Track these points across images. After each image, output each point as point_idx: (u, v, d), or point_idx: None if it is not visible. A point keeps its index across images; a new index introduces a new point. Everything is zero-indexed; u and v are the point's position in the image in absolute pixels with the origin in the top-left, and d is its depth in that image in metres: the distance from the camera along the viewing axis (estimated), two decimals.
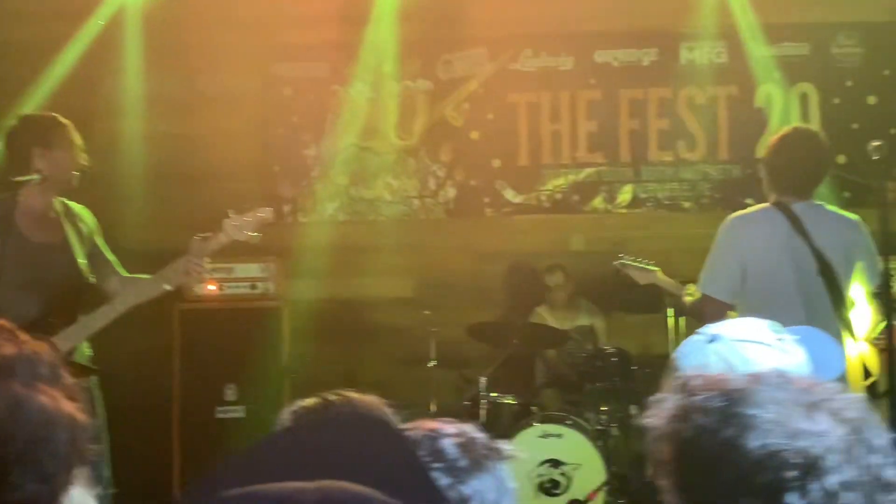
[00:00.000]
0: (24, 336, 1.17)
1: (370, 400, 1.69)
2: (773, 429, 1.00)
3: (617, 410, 5.46)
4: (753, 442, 1.00)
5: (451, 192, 6.83)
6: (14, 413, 1.08)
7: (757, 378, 1.05)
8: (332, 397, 1.71)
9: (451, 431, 1.36)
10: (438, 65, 6.81)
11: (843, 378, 1.56)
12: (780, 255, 3.78)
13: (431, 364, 5.79)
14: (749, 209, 3.99)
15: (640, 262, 4.90)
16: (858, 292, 3.93)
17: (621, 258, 4.98)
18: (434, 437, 1.35)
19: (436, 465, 1.30)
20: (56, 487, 1.13)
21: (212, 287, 6.10)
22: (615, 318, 6.25)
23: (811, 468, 0.98)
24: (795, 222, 3.78)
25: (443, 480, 1.29)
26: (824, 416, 1.02)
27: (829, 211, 3.92)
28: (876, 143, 3.86)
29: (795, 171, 3.88)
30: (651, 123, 6.70)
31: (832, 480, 0.98)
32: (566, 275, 6.24)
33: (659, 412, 1.09)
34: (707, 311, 3.75)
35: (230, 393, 5.96)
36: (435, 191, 6.84)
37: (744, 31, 6.42)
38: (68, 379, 1.19)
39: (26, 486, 1.08)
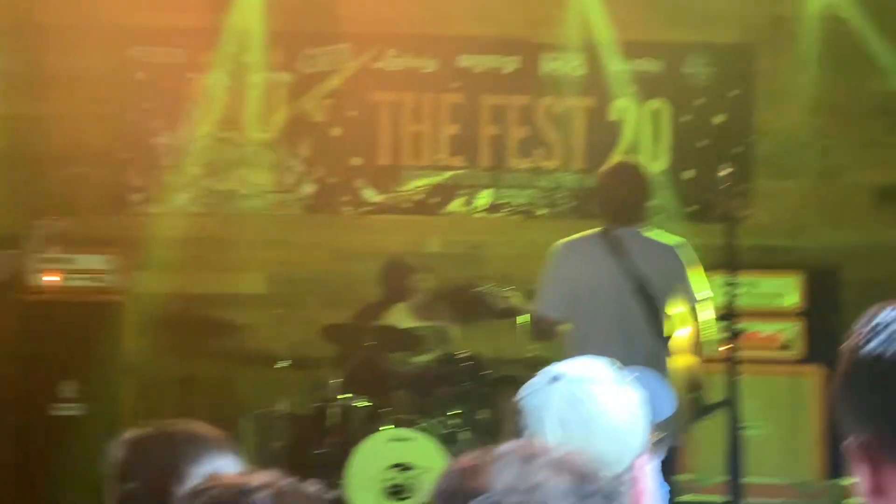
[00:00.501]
0: None
1: (210, 433, 1.63)
2: (492, 490, 1.05)
3: (467, 415, 5.51)
4: None
5: (309, 189, 6.73)
6: None
7: (487, 453, 1.11)
8: (169, 428, 1.63)
9: (261, 485, 1.29)
10: (301, 58, 6.70)
11: (673, 419, 1.62)
12: (600, 277, 4.18)
13: (283, 364, 5.69)
14: (576, 235, 4.38)
15: (498, 291, 5.10)
16: (678, 311, 4.26)
17: (481, 287, 5.14)
18: (245, 492, 1.27)
19: None
20: None
21: (53, 278, 5.81)
22: (469, 323, 6.30)
23: None
24: (616, 248, 4.18)
25: None
26: (542, 469, 1.08)
27: (648, 238, 4.31)
28: (726, 170, 4.07)
29: (617, 201, 4.28)
30: (511, 130, 6.79)
31: None
32: (429, 274, 6.26)
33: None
34: (541, 328, 4.31)
35: (69, 389, 5.70)
36: (292, 186, 6.72)
37: (602, 46, 6.59)
38: None
39: None
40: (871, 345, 1.06)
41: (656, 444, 1.56)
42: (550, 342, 4.51)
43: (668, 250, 4.26)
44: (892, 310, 1.11)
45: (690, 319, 4.23)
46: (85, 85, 6.37)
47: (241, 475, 1.36)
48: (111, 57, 6.46)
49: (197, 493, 1.28)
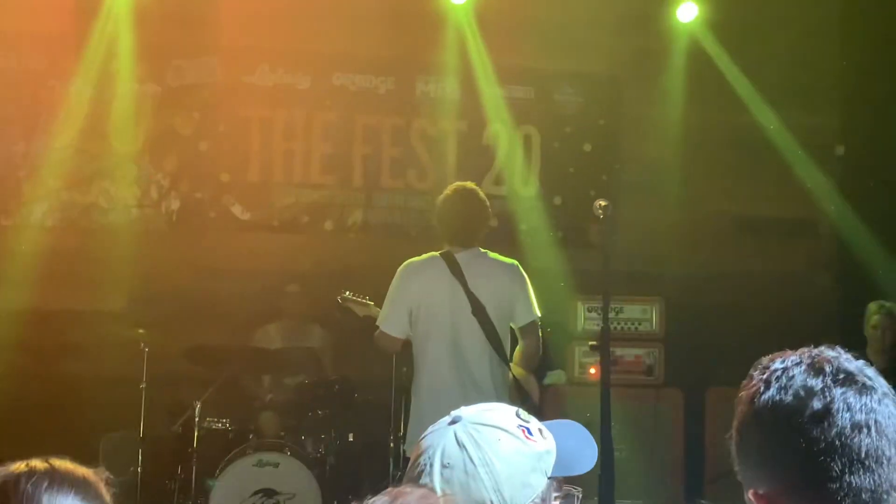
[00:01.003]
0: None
1: (82, 473, 1.52)
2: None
3: (336, 438, 5.42)
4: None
5: (174, 204, 6.52)
6: None
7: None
8: (39, 465, 1.52)
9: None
10: (169, 70, 6.50)
11: (594, 468, 1.58)
12: (440, 296, 4.38)
13: (142, 386, 5.46)
14: (419, 257, 4.51)
15: (359, 298, 5.12)
16: (519, 325, 4.46)
17: (344, 294, 5.09)
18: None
19: None
20: None
21: None
22: (340, 345, 6.21)
23: None
24: (454, 268, 4.38)
25: None
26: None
27: (488, 258, 4.49)
28: (602, 203, 4.18)
29: (457, 224, 4.46)
30: (384, 150, 6.76)
31: None
32: (301, 290, 6.15)
33: None
34: (382, 344, 4.49)
35: None
36: (157, 201, 6.50)
37: (477, 71, 6.65)
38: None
39: None
40: (768, 394, 1.06)
41: (563, 499, 1.51)
42: (390, 356, 4.87)
43: (509, 269, 4.46)
44: (785, 358, 1.13)
45: (529, 334, 4.45)
46: None
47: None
48: None
49: None
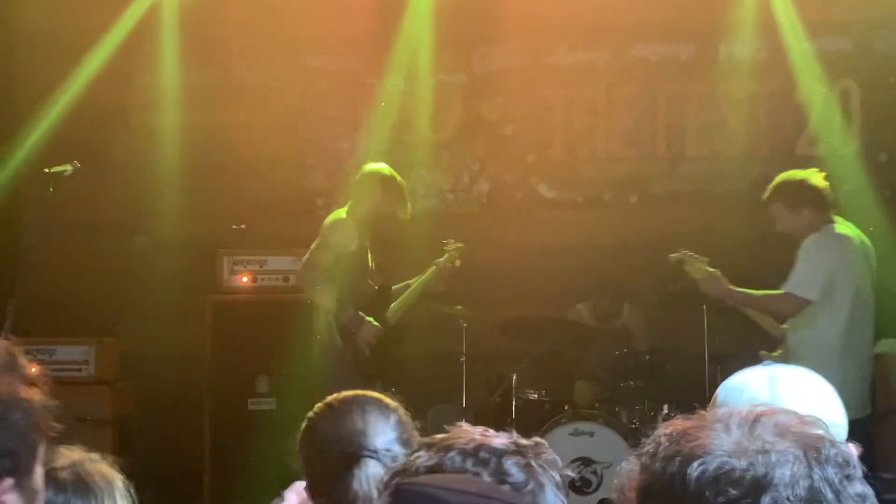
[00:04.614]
0: None
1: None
2: (716, 452, 1.00)
3: (650, 410, 5.40)
4: (695, 470, 1.00)
5: (484, 187, 6.80)
6: None
7: (701, 417, 1.07)
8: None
9: (509, 447, 1.18)
10: (474, 58, 6.77)
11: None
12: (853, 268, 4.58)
13: (462, 360, 5.73)
14: (835, 226, 4.62)
15: (698, 258, 4.85)
16: None
17: (682, 252, 4.89)
18: (498, 454, 1.16)
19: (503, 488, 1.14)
20: (19, 461, 1.31)
21: (245, 279, 6.11)
22: (651, 317, 6.16)
23: (758, 485, 0.98)
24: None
25: None
26: (767, 432, 1.02)
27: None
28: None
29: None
30: (688, 119, 6.62)
31: (783, 494, 0.97)
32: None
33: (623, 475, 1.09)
34: (786, 309, 4.57)
35: (262, 384, 5.97)
36: (469, 185, 6.80)
37: (784, 25, 6.30)
38: (27, 368, 1.37)
39: None
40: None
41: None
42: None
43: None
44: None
45: None
46: (270, 95, 6.67)
47: (477, 429, 1.23)
48: (294, 67, 6.72)
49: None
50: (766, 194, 4.67)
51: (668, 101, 6.63)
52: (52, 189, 4.53)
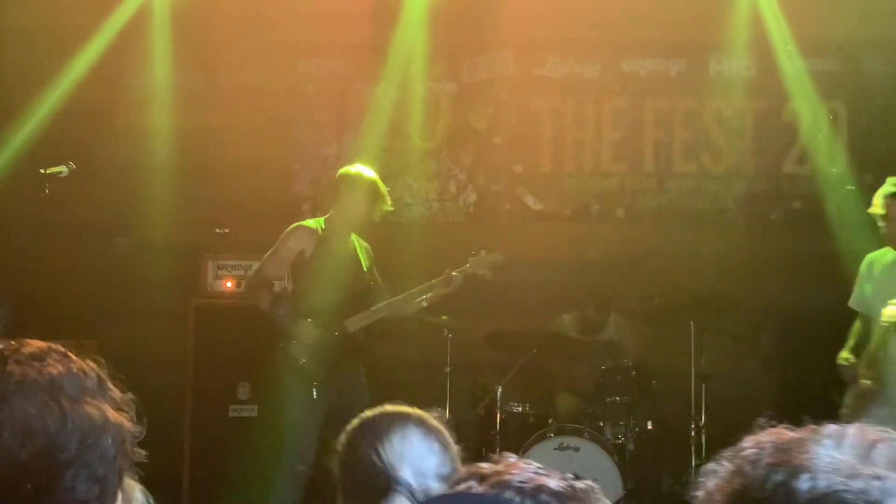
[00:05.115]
0: (73, 355, 1.34)
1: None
2: (827, 470, 0.96)
3: (635, 425, 5.39)
4: (804, 483, 0.95)
5: (471, 197, 6.78)
6: (64, 424, 1.26)
7: (812, 430, 1.02)
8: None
9: (566, 490, 1.11)
10: (464, 67, 6.75)
11: None
12: None
13: (447, 370, 5.70)
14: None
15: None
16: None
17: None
18: (558, 497, 1.09)
19: None
20: (106, 487, 1.30)
21: (229, 284, 6.05)
22: (638, 332, 6.16)
23: None
24: None
25: None
26: (882, 459, 0.97)
27: None
28: None
29: None
30: (677, 134, 6.64)
31: None
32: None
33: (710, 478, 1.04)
34: None
35: (243, 391, 5.91)
36: (455, 194, 6.78)
37: (776, 45, 6.33)
38: (115, 392, 1.36)
39: (78, 486, 1.25)
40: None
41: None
42: None
43: None
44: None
45: None
46: (259, 99, 6.61)
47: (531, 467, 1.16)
48: (283, 71, 6.68)
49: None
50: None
51: (656, 116, 6.65)
52: (47, 190, 4.45)
